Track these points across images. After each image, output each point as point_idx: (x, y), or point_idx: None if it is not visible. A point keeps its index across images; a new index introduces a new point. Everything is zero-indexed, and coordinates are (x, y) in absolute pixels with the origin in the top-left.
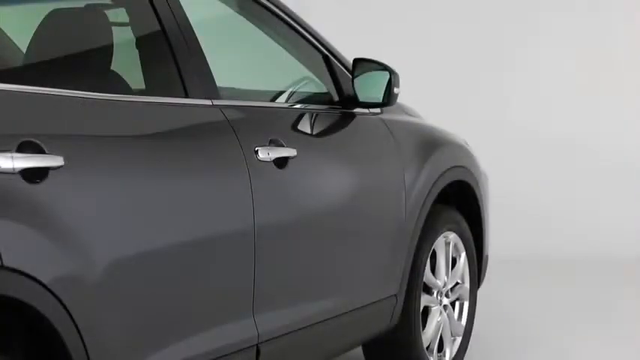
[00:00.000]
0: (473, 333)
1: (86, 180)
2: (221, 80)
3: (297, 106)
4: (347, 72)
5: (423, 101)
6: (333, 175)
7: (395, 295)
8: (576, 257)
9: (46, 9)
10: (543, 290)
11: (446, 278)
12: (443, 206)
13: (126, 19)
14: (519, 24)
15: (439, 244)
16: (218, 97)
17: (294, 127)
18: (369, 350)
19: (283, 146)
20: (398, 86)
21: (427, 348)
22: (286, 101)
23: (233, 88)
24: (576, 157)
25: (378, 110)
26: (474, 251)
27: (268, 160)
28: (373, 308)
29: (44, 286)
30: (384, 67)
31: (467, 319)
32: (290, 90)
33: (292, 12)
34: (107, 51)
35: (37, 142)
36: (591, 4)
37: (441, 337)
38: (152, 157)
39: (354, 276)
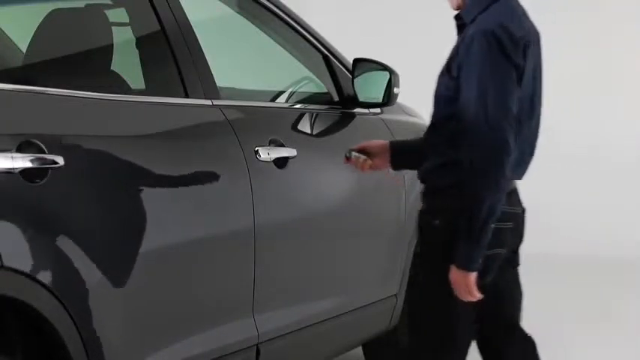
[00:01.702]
0: None
1: (86, 180)
2: (221, 80)
3: (297, 106)
4: (347, 72)
5: (423, 101)
6: (333, 175)
7: (395, 295)
8: (576, 257)
9: (46, 9)
10: (543, 290)
11: None
12: None
13: (126, 19)
14: None
15: None
16: (218, 97)
17: (294, 127)
18: (369, 350)
19: (283, 146)
20: (398, 86)
21: None
22: (286, 101)
23: (233, 88)
24: (576, 158)
25: (378, 110)
26: None
27: (268, 160)
28: (373, 308)
29: (44, 286)
30: (384, 67)
31: None
32: (290, 90)
33: (292, 12)
34: (107, 51)
35: (37, 142)
36: (592, 3)
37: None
38: (152, 157)
39: (353, 276)
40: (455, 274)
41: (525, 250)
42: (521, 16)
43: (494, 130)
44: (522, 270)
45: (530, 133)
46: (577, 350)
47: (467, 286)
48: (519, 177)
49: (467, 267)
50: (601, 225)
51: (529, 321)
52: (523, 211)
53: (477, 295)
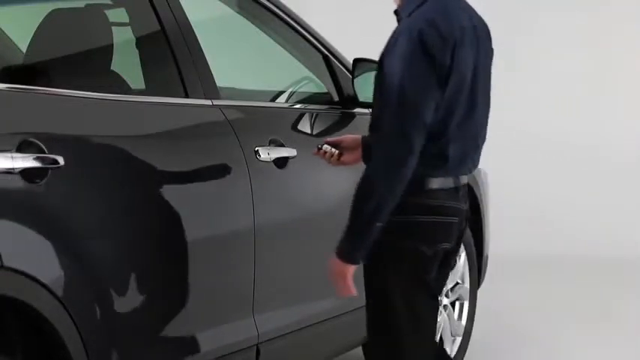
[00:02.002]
0: (473, 333)
1: (86, 180)
2: (221, 80)
3: (297, 106)
4: (347, 72)
5: None
6: (333, 175)
7: None
8: (576, 257)
9: (46, 9)
10: (543, 290)
11: None
12: None
13: (126, 19)
14: (519, 24)
15: None
16: (218, 97)
17: (294, 127)
18: (369, 350)
19: (283, 146)
20: None
21: None
22: (286, 101)
23: (233, 88)
24: (576, 158)
25: None
26: (474, 251)
27: (268, 160)
28: None
29: (44, 286)
30: None
31: (467, 319)
32: (290, 90)
33: (292, 12)
34: (107, 51)
35: (37, 142)
36: (591, 3)
37: (440, 337)
38: (152, 157)
39: (353, 276)
40: (333, 263)
41: (526, 250)
42: (458, 12)
43: (399, 134)
44: (523, 270)
45: (471, 130)
46: (577, 350)
47: (342, 277)
48: (465, 173)
49: (344, 258)
50: (601, 225)
51: (529, 321)
52: (467, 209)
53: (352, 291)
